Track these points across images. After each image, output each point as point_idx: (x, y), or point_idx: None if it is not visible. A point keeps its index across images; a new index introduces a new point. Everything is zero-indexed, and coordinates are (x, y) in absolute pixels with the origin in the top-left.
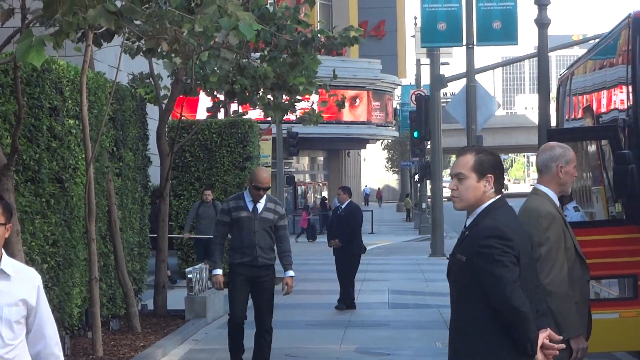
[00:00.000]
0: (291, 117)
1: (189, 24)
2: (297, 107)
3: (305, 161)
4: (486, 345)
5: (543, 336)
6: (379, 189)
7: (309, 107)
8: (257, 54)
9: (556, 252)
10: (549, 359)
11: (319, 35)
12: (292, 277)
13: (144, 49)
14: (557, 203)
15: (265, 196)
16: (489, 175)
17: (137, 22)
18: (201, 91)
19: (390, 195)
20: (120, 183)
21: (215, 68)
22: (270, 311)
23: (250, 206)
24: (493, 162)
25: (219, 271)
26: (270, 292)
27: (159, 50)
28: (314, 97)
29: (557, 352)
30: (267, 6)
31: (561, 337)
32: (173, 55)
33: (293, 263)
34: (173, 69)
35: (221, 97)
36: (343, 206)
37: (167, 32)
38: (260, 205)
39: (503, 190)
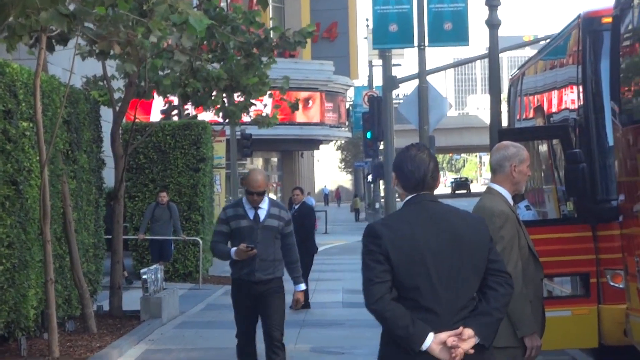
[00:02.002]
0: (245, 118)
1: (143, 27)
2: (251, 109)
3: (259, 162)
4: (381, 340)
5: (448, 335)
6: (337, 189)
7: (263, 110)
8: (210, 56)
9: (510, 251)
10: (452, 358)
11: (271, 33)
12: (302, 291)
13: (97, 51)
14: (511, 202)
15: (267, 200)
16: (393, 174)
17: (91, 25)
18: (155, 93)
19: (344, 195)
20: (75, 185)
21: (168, 71)
22: (279, 325)
23: (251, 213)
24: (395, 161)
25: (234, 248)
26: (277, 305)
27: (111, 53)
28: (268, 100)
29: (460, 351)
30: (221, 6)
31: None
32: (125, 57)
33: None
34: (126, 72)
35: (175, 99)
36: (296, 207)
37: (120, 35)
38: (263, 212)
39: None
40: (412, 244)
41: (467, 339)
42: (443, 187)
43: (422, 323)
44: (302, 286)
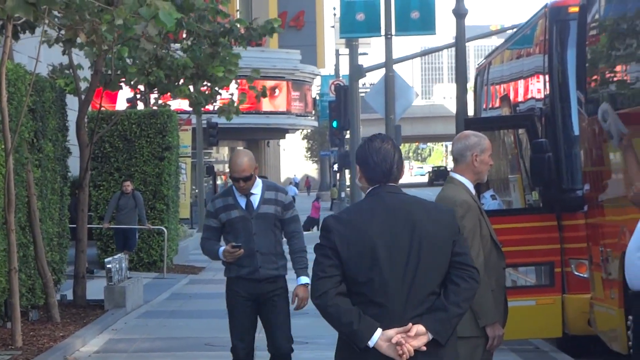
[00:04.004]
0: (211, 107)
1: (109, 15)
2: (217, 99)
3: (225, 151)
4: (338, 340)
5: (396, 331)
6: (307, 178)
7: (229, 99)
8: (177, 45)
9: (472, 241)
10: (399, 356)
11: (237, 25)
12: (305, 285)
13: (63, 39)
14: (473, 191)
15: (261, 183)
16: (357, 167)
17: (56, 14)
18: (121, 83)
19: (313, 184)
20: (40, 174)
21: (133, 59)
22: (288, 334)
23: (242, 202)
24: (359, 153)
25: (222, 248)
26: (284, 309)
27: (77, 41)
28: (234, 89)
29: (408, 348)
30: None
31: (425, 331)
32: (90, 46)
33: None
34: (93, 60)
35: (142, 88)
36: None
37: (85, 23)
38: (256, 198)
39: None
40: (365, 238)
41: (416, 335)
42: (409, 177)
43: (370, 319)
44: (305, 279)
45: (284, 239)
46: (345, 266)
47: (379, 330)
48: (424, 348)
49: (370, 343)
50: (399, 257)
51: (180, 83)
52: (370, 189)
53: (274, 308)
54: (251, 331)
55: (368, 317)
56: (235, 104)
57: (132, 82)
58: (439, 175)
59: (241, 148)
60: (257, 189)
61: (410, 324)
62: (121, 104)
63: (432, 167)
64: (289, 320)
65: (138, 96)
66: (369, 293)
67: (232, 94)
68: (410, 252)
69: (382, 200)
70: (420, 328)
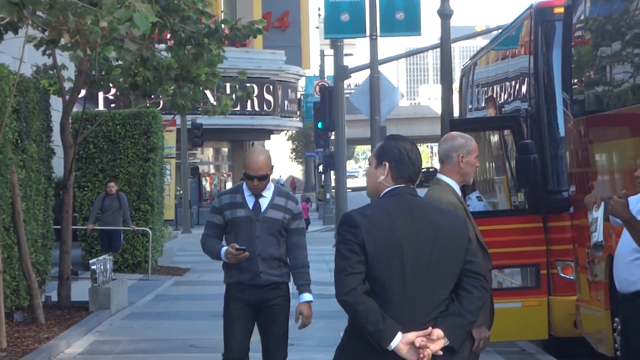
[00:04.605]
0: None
1: (92, 15)
2: (200, 105)
3: (209, 152)
4: (346, 333)
5: (416, 335)
6: (292, 179)
7: (214, 100)
8: (163, 45)
9: None
10: (419, 359)
11: (222, 25)
12: (309, 302)
13: (47, 40)
14: (459, 193)
15: (273, 187)
16: (385, 163)
17: (40, 14)
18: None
19: (298, 185)
20: (24, 175)
21: (119, 60)
22: (284, 347)
23: (250, 202)
24: (389, 150)
25: (225, 248)
26: (283, 321)
27: (61, 42)
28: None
29: (428, 352)
30: None
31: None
32: (75, 47)
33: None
34: (77, 60)
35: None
36: None
37: (69, 23)
38: (265, 201)
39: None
40: (390, 236)
41: (437, 340)
42: None
43: (392, 320)
44: (308, 296)
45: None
46: (370, 264)
47: (400, 333)
48: (440, 353)
49: (391, 345)
50: (421, 259)
51: (163, 84)
52: (388, 189)
53: (275, 320)
54: (247, 341)
55: (390, 318)
56: (223, 102)
57: (118, 82)
58: (428, 177)
59: (259, 146)
60: (269, 192)
61: (430, 328)
62: (102, 105)
63: (424, 169)
64: (286, 332)
65: (120, 97)
66: (388, 293)
67: (216, 97)
68: (431, 255)
69: (405, 201)
70: (440, 332)
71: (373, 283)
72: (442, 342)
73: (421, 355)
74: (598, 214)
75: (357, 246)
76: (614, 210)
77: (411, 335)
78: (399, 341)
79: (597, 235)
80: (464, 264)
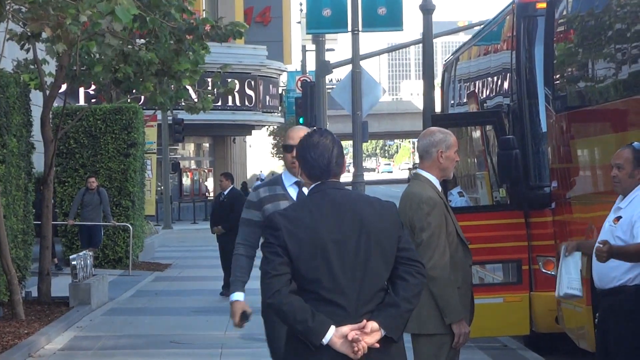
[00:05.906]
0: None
1: (73, 10)
2: (181, 102)
3: (190, 147)
4: (286, 335)
5: (350, 328)
6: (273, 174)
7: (195, 97)
8: (143, 41)
9: (438, 238)
10: (354, 353)
11: (203, 24)
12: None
13: (28, 34)
14: (439, 188)
15: None
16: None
17: (21, 8)
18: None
19: None
20: (4, 170)
21: (100, 55)
22: None
23: (293, 193)
24: (297, 149)
25: (238, 295)
26: None
27: (42, 36)
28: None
29: (363, 345)
30: None
31: (377, 326)
32: (56, 40)
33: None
34: (57, 55)
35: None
36: (225, 192)
37: (50, 17)
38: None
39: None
40: (313, 235)
41: (371, 332)
42: (375, 173)
43: (323, 316)
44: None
45: None
46: (296, 264)
47: (333, 327)
48: (377, 345)
49: (324, 340)
50: (349, 253)
51: (144, 80)
52: (311, 187)
53: None
54: None
55: (321, 314)
56: (205, 98)
57: (95, 77)
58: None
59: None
60: None
61: (364, 321)
62: (83, 99)
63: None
64: None
65: (101, 92)
66: (320, 290)
67: (198, 93)
68: (359, 248)
69: (327, 197)
70: (374, 325)
71: (303, 282)
72: (378, 335)
73: (355, 349)
74: (570, 261)
75: (279, 248)
76: (599, 260)
77: (345, 329)
78: (332, 335)
79: (571, 289)
80: (397, 252)
